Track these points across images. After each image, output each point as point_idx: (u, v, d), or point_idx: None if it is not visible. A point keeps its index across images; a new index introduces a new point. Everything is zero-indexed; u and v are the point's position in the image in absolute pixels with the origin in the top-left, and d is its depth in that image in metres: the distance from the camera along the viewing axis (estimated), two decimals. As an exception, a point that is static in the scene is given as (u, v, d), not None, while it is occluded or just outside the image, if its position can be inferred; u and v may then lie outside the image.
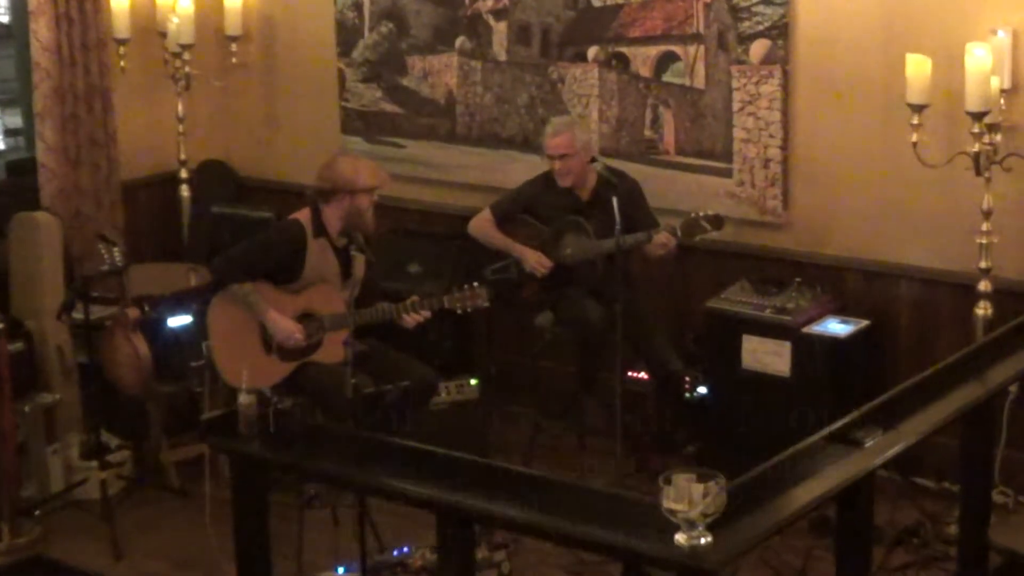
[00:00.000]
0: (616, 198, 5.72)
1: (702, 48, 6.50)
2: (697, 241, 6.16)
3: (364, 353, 5.63)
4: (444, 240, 7.00)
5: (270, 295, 5.80)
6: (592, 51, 6.82)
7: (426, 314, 5.78)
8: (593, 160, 6.14)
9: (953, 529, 5.54)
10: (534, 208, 6.40)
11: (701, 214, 6.10)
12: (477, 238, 6.49)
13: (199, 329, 6.10)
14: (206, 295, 5.99)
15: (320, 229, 5.84)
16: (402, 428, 5.53)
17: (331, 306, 5.77)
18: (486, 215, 6.48)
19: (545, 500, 3.94)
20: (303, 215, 5.88)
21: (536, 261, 6.33)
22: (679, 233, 6.08)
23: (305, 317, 5.81)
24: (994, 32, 5.65)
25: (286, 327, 5.76)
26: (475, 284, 5.77)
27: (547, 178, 6.38)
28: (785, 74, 6.29)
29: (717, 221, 6.09)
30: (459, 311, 5.79)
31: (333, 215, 5.84)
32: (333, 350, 5.68)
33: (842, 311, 6.20)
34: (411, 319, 5.78)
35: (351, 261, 5.79)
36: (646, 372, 6.40)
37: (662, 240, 6.06)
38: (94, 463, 6.14)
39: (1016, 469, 5.83)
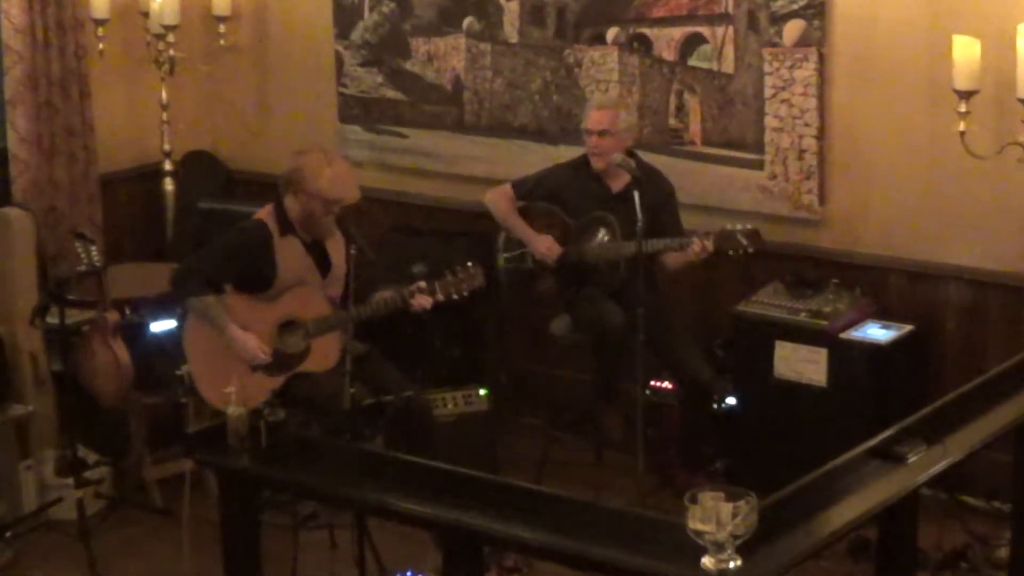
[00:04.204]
0: (640, 193, 5.68)
1: (731, 29, 6.51)
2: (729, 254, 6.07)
3: (363, 356, 5.62)
4: (450, 237, 7.00)
5: (245, 307, 5.70)
6: (612, 32, 6.83)
7: (439, 297, 5.69)
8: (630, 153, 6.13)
9: (1004, 552, 5.54)
10: (560, 193, 6.38)
11: (739, 227, 5.96)
12: (491, 211, 6.47)
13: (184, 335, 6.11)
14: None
15: (286, 225, 5.73)
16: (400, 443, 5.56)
17: (314, 310, 5.70)
18: (506, 189, 6.46)
19: (560, 520, 3.95)
20: (266, 212, 5.79)
21: (545, 248, 6.32)
22: (711, 245, 6.01)
23: (287, 325, 5.72)
24: (1049, 12, 5.66)
25: (246, 344, 5.64)
26: (468, 264, 5.72)
27: (577, 165, 6.37)
28: (821, 57, 6.30)
29: (755, 237, 5.94)
30: (455, 296, 5.73)
31: (292, 209, 5.74)
32: (323, 357, 5.66)
33: (883, 315, 6.21)
34: (419, 301, 5.64)
35: (327, 255, 5.75)
36: (670, 381, 6.41)
37: (698, 247, 5.97)
38: (70, 480, 6.14)
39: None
